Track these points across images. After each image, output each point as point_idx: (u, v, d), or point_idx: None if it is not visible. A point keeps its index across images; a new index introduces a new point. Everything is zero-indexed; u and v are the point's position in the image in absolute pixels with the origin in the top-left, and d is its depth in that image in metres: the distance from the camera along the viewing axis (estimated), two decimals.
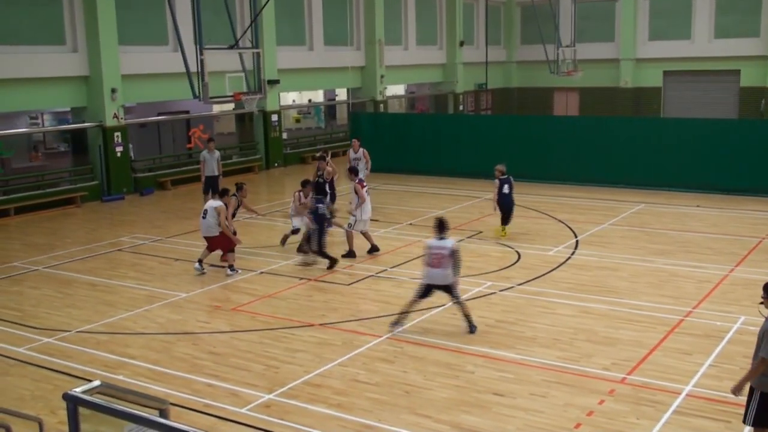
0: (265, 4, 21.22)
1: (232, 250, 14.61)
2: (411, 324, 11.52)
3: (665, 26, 38.76)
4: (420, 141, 26.14)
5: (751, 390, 7.08)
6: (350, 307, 12.44)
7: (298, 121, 33.97)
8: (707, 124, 23.02)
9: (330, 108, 35.30)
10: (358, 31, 33.06)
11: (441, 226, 11.00)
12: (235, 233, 14.87)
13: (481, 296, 12.69)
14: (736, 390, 7.18)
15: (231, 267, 14.50)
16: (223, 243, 14.55)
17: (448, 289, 11.09)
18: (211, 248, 14.67)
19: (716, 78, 37.77)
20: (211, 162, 20.16)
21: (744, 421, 7.23)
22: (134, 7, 23.65)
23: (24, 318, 12.34)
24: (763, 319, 7.07)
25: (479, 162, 24.45)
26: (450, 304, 11.44)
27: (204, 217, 14.39)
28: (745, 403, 7.19)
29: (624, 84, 39.86)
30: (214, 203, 14.56)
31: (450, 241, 10.96)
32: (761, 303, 7.16)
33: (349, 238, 15.35)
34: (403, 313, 11.25)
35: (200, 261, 14.57)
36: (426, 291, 11.12)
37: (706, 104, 37.16)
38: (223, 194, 14.96)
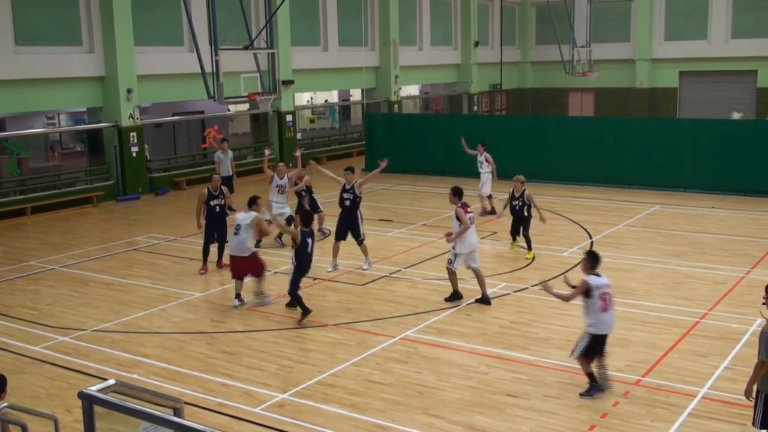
0: (280, 5, 21.22)
1: (261, 275, 12.69)
2: (425, 324, 11.52)
3: (681, 26, 38.51)
4: (434, 142, 26.11)
5: (757, 393, 7.09)
6: (364, 308, 12.44)
7: (312, 121, 34.03)
8: (723, 125, 22.86)
9: (344, 108, 35.32)
10: (372, 32, 33.07)
11: (596, 259, 9.00)
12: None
13: (495, 297, 12.65)
14: (747, 393, 7.21)
15: (239, 296, 12.67)
16: (252, 266, 12.66)
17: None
18: (236, 273, 12.65)
19: (733, 78, 37.46)
20: (226, 162, 20.34)
21: (753, 424, 7.23)
22: (150, 8, 23.77)
23: (40, 317, 12.43)
24: (765, 321, 7.07)
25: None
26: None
27: (236, 233, 12.59)
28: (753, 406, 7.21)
29: (639, 84, 39.64)
30: (245, 216, 12.62)
31: (606, 278, 9.05)
32: (764, 304, 7.15)
33: (451, 277, 12.52)
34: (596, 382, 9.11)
35: (238, 295, 12.70)
36: (599, 343, 8.93)
37: (722, 105, 36.88)
38: (252, 203, 12.89)
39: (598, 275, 8.88)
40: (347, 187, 14.48)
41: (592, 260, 8.96)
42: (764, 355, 6.87)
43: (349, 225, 14.48)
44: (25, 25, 20.73)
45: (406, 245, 16.34)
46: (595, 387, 8.92)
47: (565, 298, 9.15)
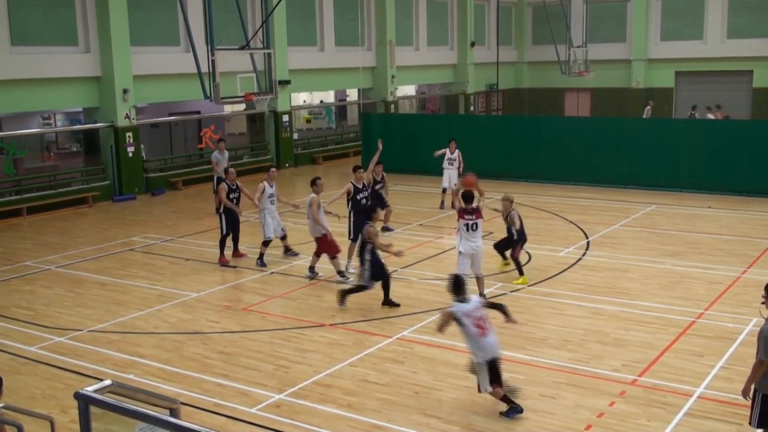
0: (276, 5, 21.25)
1: (334, 256, 13.77)
2: (421, 325, 11.52)
3: (677, 26, 38.56)
4: (431, 142, 26.07)
5: (755, 392, 7.10)
6: (360, 308, 12.43)
7: (308, 121, 34.01)
8: (719, 125, 22.90)
9: (341, 108, 35.32)
10: (369, 32, 33.06)
11: (458, 284, 8.63)
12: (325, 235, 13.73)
13: (491, 297, 12.64)
14: (745, 393, 7.22)
15: (311, 269, 14.05)
16: (326, 247, 13.74)
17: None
18: (317, 251, 13.90)
19: (729, 79, 37.53)
20: (223, 162, 20.33)
21: (750, 424, 7.24)
22: (146, 8, 23.75)
23: (36, 317, 12.41)
24: (765, 321, 7.09)
25: (490, 163, 24.41)
26: None
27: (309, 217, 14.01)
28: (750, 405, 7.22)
29: (636, 84, 39.69)
30: (307, 200, 13.94)
31: (477, 298, 8.78)
32: (762, 303, 7.17)
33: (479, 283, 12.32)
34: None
35: (311, 268, 14.10)
36: (493, 367, 8.43)
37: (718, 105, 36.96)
38: (313, 183, 14.09)
39: (464, 301, 8.43)
40: (359, 186, 14.54)
41: (453, 287, 8.56)
42: (763, 355, 6.88)
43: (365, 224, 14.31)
44: (20, 25, 20.69)
45: (402, 245, 16.30)
46: (514, 408, 8.49)
47: (439, 329, 8.74)
